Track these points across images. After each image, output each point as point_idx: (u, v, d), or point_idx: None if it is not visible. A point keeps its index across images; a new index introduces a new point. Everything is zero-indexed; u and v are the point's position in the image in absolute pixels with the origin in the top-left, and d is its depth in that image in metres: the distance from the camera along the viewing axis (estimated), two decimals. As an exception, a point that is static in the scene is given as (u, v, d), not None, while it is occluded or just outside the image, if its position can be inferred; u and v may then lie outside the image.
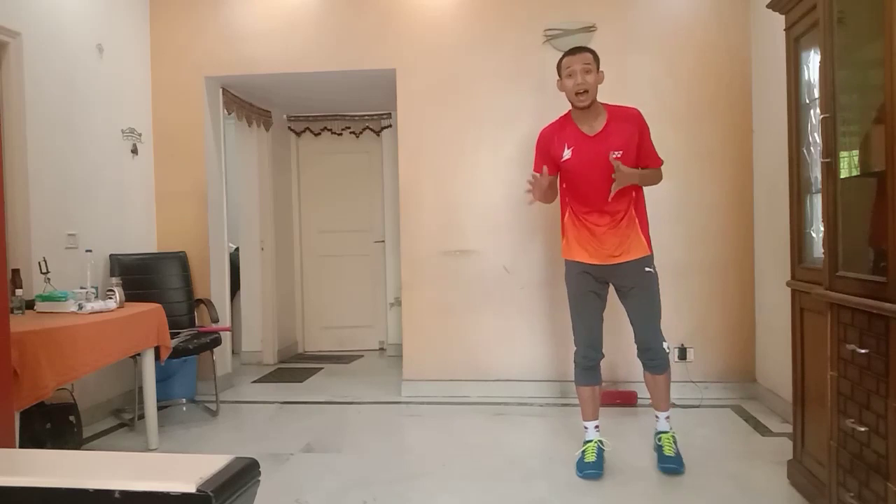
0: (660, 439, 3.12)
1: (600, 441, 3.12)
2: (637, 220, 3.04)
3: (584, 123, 2.99)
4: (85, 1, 3.97)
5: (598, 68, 3.00)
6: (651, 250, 3.06)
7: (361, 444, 3.55)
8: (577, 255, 3.09)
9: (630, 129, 2.96)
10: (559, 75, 3.02)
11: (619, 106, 3.04)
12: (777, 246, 3.53)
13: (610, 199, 2.97)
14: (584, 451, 3.07)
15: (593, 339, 3.14)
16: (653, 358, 3.08)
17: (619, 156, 2.90)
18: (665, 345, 3.09)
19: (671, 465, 3.00)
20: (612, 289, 3.19)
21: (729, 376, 4.19)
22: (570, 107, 3.03)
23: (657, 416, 3.17)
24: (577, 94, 2.92)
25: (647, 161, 3.04)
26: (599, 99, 3.01)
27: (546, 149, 3.06)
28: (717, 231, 4.19)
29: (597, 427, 3.15)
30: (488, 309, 4.34)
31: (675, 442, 3.10)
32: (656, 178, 3.13)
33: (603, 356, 3.18)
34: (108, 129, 4.14)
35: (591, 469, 3.00)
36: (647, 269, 3.04)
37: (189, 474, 1.12)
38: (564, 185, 3.11)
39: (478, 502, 2.79)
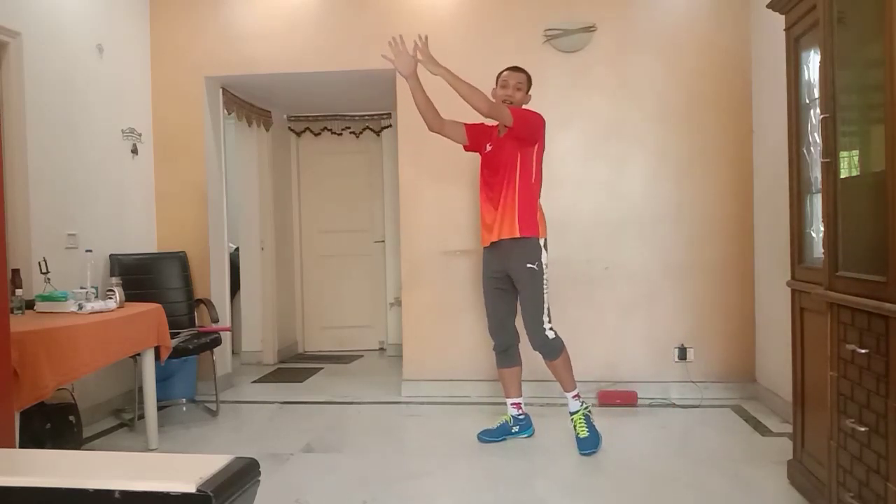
0: (572, 421, 3.30)
1: (510, 418, 3.48)
2: (518, 207, 3.26)
3: (503, 130, 3.37)
4: (85, 1, 3.96)
5: (528, 90, 3.42)
6: (525, 234, 3.25)
7: (361, 444, 3.55)
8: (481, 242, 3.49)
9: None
10: (496, 84, 3.42)
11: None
12: (777, 246, 3.53)
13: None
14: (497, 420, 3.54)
15: (495, 329, 3.48)
16: (540, 346, 3.31)
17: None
18: (550, 332, 3.28)
19: (587, 449, 3.21)
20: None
21: (729, 376, 4.19)
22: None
23: (566, 396, 3.35)
24: (503, 103, 3.30)
25: None
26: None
27: (483, 131, 3.45)
28: (717, 231, 4.19)
29: (513, 405, 3.49)
30: (488, 309, 4.33)
31: (587, 420, 3.27)
32: (474, 91, 3.14)
33: (513, 342, 3.48)
34: (108, 129, 4.14)
35: (485, 434, 3.46)
36: (528, 265, 3.27)
37: (189, 474, 1.12)
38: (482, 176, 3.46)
39: (477, 502, 2.79)
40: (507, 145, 3.30)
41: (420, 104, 3.35)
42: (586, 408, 3.33)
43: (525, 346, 3.43)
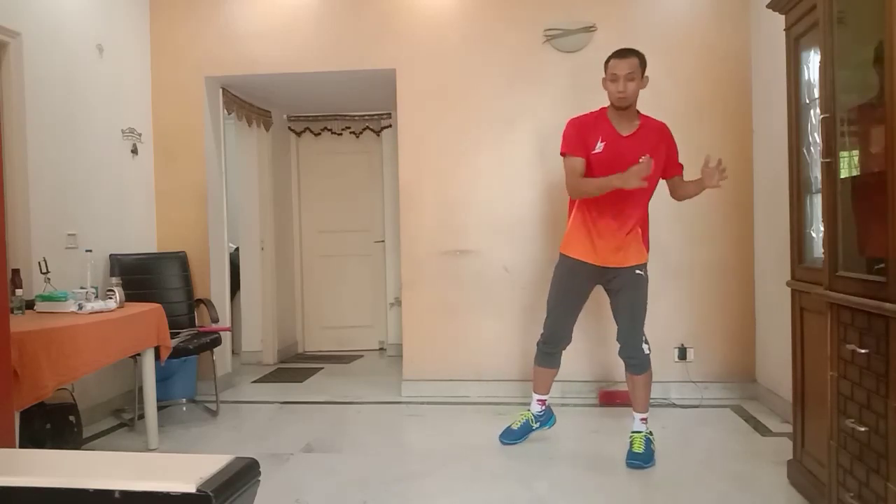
0: (630, 438, 3.18)
1: (532, 416, 3.40)
2: (641, 231, 3.16)
3: (619, 123, 3.12)
4: (85, 1, 3.96)
5: (642, 74, 3.11)
6: (647, 258, 3.20)
7: (361, 444, 3.55)
8: (575, 252, 3.21)
9: (657, 138, 3.13)
10: (605, 73, 3.11)
11: (650, 117, 3.19)
12: (777, 246, 3.53)
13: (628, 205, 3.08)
14: (515, 419, 3.42)
15: (561, 335, 3.33)
16: (631, 356, 3.19)
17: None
18: (645, 347, 3.18)
19: (635, 460, 3.08)
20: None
21: (729, 376, 4.19)
22: (602, 104, 3.21)
23: (634, 416, 3.22)
24: (618, 98, 3.06)
25: (672, 170, 3.19)
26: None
27: (584, 136, 3.12)
28: (717, 231, 4.19)
29: (540, 401, 3.41)
30: (488, 309, 4.33)
31: (647, 442, 3.14)
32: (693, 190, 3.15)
33: (563, 347, 3.37)
34: (108, 129, 4.14)
35: (506, 437, 3.38)
36: (637, 271, 3.16)
37: (189, 474, 1.12)
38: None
39: (477, 502, 2.79)
40: (652, 153, 2.94)
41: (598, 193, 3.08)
42: (650, 432, 3.18)
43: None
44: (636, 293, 3.17)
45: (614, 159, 3.01)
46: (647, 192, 3.11)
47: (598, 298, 4.22)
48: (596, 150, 3.08)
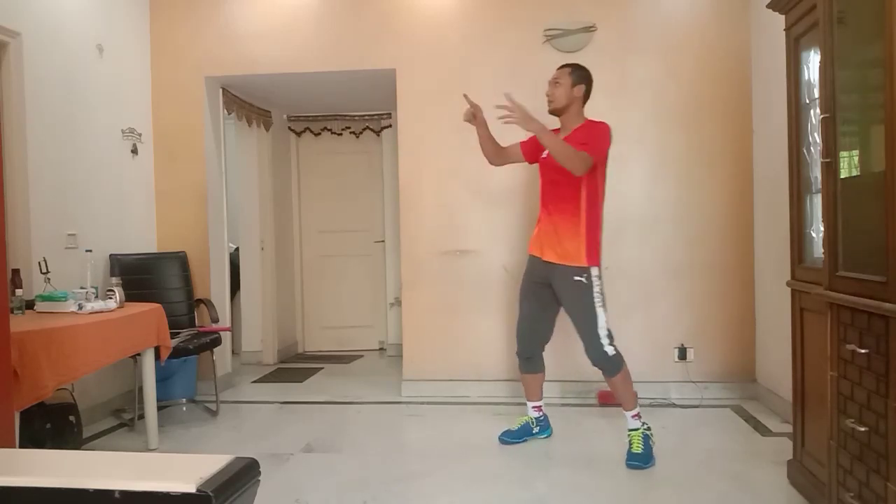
0: (629, 436, 3.17)
1: (532, 419, 3.46)
2: (582, 229, 3.14)
3: (561, 129, 3.28)
4: (85, 1, 3.96)
5: (574, 82, 3.24)
6: (591, 262, 3.15)
7: (361, 444, 3.55)
8: (530, 247, 3.37)
9: (583, 136, 3.15)
10: None
11: (596, 122, 3.22)
12: (777, 246, 3.53)
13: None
14: (516, 422, 3.49)
15: (526, 338, 3.41)
16: (597, 361, 3.18)
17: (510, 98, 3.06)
18: (610, 348, 3.15)
19: (635, 461, 3.07)
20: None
21: (729, 376, 4.19)
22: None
23: (625, 415, 3.21)
24: (550, 102, 3.28)
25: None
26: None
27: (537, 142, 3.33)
28: (717, 231, 4.19)
29: (535, 408, 3.48)
30: (488, 309, 4.33)
31: (646, 440, 3.13)
32: (568, 152, 3.01)
33: (538, 351, 3.43)
34: (108, 129, 4.14)
35: (507, 436, 3.43)
36: (576, 277, 3.14)
37: (189, 474, 1.12)
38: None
39: (477, 502, 2.79)
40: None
41: (487, 146, 3.38)
42: (647, 428, 3.16)
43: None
44: (579, 302, 3.15)
45: (548, 160, 3.21)
46: (569, 185, 3.13)
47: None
48: (543, 155, 3.26)
